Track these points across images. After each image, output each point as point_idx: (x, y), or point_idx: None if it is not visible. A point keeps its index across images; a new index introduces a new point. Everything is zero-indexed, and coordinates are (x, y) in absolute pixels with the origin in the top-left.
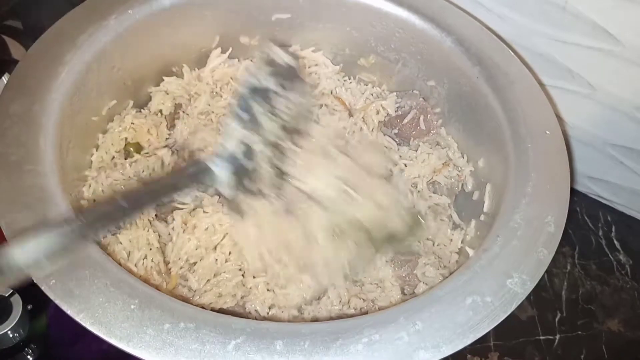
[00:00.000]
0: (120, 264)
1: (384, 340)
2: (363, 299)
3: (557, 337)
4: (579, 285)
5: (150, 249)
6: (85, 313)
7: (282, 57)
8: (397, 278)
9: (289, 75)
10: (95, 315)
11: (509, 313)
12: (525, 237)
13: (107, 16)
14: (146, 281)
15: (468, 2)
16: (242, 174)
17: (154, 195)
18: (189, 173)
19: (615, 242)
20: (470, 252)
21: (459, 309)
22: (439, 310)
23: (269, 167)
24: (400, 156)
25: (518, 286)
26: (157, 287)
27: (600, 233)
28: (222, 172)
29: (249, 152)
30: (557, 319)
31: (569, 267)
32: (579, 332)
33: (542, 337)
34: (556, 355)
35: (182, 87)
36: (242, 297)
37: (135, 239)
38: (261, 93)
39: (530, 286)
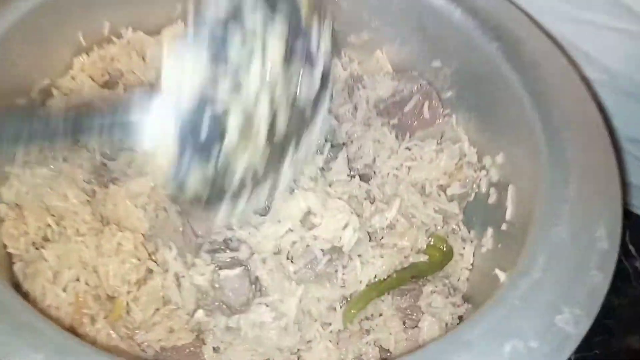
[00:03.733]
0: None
1: None
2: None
3: (572, 358)
4: None
5: (85, 268)
6: None
7: None
8: (396, 310)
9: None
10: None
11: None
12: (573, 257)
13: None
14: (76, 312)
15: None
16: (194, 141)
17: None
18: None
19: (630, 247)
20: (484, 266)
21: None
22: None
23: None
24: (408, 148)
25: (570, 325)
26: (91, 319)
27: None
28: (157, 126)
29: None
30: None
31: None
32: (596, 352)
33: None
34: None
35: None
36: (200, 333)
37: (64, 255)
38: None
39: (586, 324)
